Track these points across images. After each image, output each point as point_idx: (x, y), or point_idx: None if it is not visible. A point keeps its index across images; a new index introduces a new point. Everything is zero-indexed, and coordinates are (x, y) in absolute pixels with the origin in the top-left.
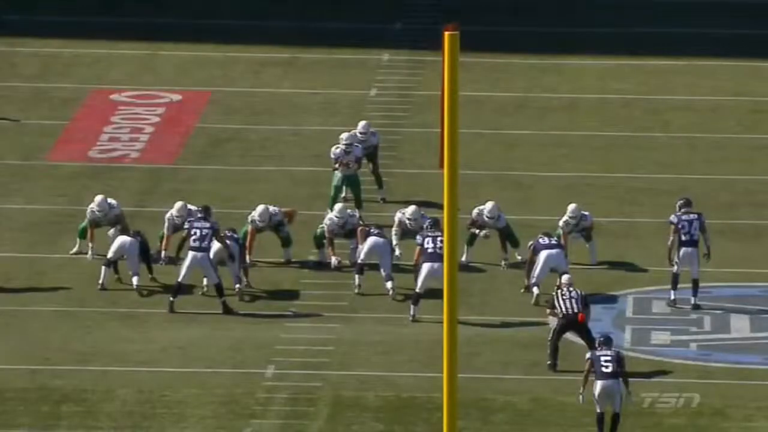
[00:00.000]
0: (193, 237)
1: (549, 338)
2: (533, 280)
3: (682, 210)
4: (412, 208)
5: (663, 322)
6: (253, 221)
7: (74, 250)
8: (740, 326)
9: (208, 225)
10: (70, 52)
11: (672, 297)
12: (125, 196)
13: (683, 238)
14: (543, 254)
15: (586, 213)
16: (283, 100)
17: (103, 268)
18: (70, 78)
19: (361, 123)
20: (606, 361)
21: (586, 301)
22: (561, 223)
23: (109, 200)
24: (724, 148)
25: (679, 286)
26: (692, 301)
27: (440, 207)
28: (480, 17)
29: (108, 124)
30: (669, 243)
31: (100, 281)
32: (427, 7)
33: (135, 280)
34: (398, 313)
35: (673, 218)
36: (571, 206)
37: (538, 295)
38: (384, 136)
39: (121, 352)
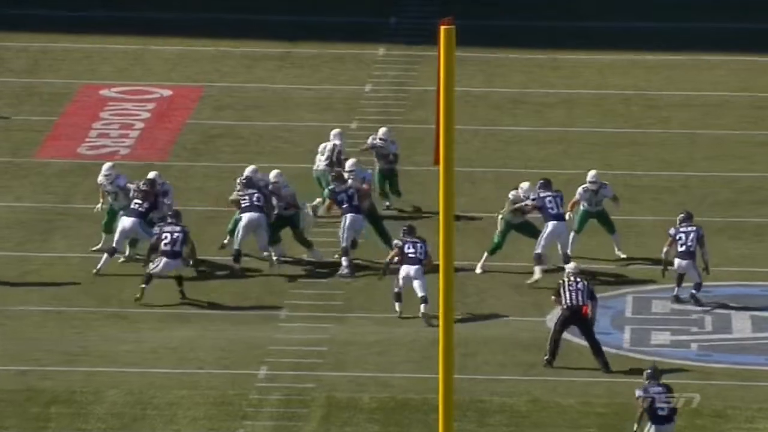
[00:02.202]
0: (165, 241)
1: (550, 332)
2: (538, 250)
3: (683, 224)
4: (383, 129)
5: (663, 322)
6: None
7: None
8: (742, 326)
9: (179, 229)
10: (60, 47)
11: (675, 292)
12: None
13: (679, 249)
14: (550, 225)
15: (606, 183)
16: (276, 95)
17: (105, 255)
18: (60, 73)
19: (382, 129)
20: (664, 401)
21: (592, 294)
22: (580, 189)
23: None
24: (725, 145)
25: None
26: (693, 293)
27: (436, 205)
28: (476, 11)
29: (97, 120)
30: (664, 253)
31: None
32: (423, 1)
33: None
34: (393, 313)
35: (671, 231)
36: (591, 172)
37: (538, 279)
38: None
39: (111, 353)
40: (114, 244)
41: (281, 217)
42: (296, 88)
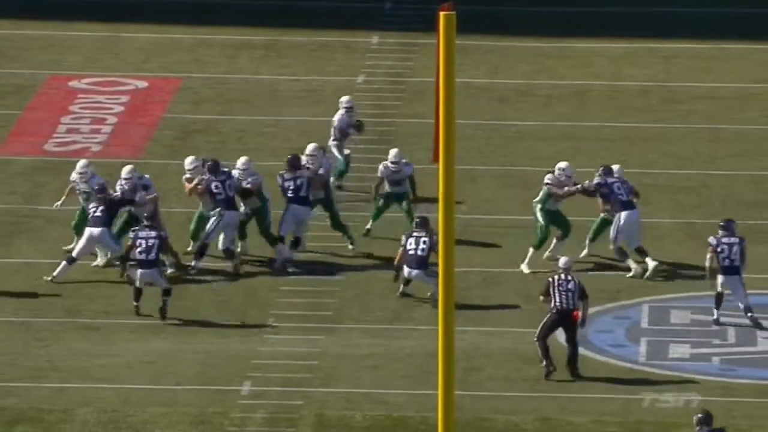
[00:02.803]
0: (138, 249)
1: (536, 335)
2: (617, 245)
3: (722, 233)
4: (394, 150)
5: (682, 333)
6: None
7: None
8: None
9: (154, 235)
10: (24, 35)
11: (715, 316)
12: None
13: (723, 263)
14: (624, 215)
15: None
16: (260, 87)
17: (64, 263)
18: (24, 63)
19: (393, 151)
20: None
21: (584, 292)
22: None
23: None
24: (750, 141)
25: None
26: (750, 316)
27: (435, 204)
28: None
29: (66, 114)
30: (707, 263)
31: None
32: None
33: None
34: (388, 323)
35: (712, 240)
36: (616, 167)
37: (640, 271)
38: (372, 128)
39: (81, 368)
40: (75, 254)
41: (250, 212)
42: (283, 79)
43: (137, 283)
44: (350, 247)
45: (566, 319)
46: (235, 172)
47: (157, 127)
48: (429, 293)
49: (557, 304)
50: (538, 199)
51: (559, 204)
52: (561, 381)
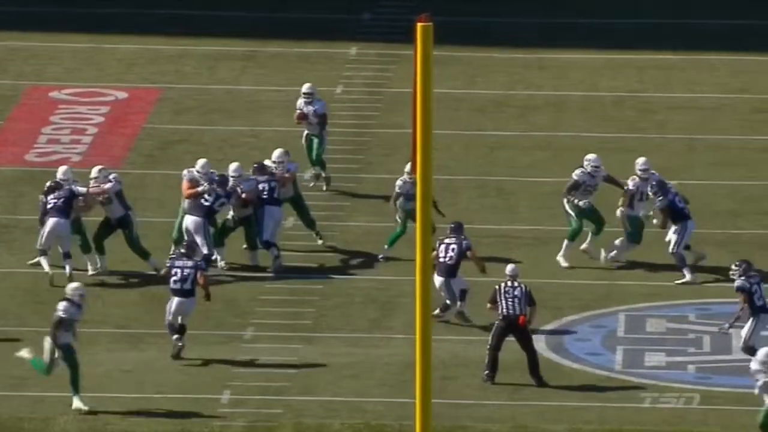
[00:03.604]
0: (174, 278)
1: (488, 344)
2: (677, 250)
3: (747, 273)
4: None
5: (658, 342)
6: None
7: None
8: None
9: (190, 264)
10: (4, 45)
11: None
12: None
13: (757, 303)
14: (690, 224)
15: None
16: (240, 97)
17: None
18: (5, 74)
19: (409, 165)
20: None
21: (531, 299)
22: (630, 183)
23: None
24: (725, 151)
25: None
26: None
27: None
28: (457, 8)
29: (47, 125)
30: (740, 310)
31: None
32: None
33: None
34: (367, 333)
35: (742, 284)
36: (641, 159)
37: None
38: (351, 138)
39: (60, 376)
40: (41, 245)
41: (238, 219)
42: (262, 89)
43: (170, 317)
44: (319, 242)
45: (513, 325)
46: (231, 181)
47: (138, 137)
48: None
49: (504, 310)
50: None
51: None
52: (537, 389)
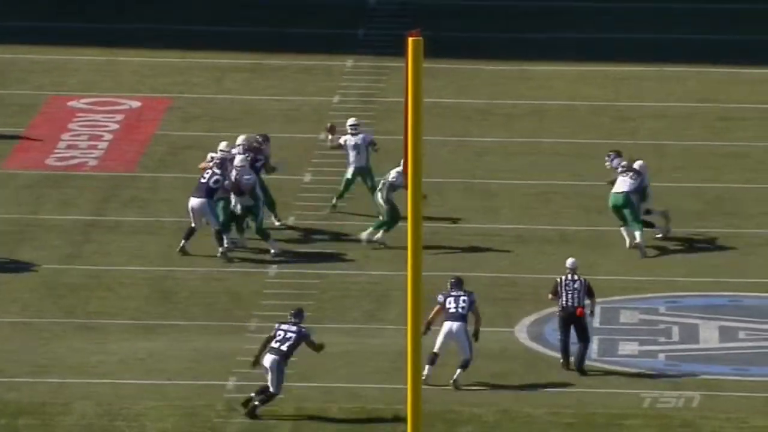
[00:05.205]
0: (276, 338)
1: (558, 337)
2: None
3: None
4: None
5: (631, 332)
6: None
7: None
8: (709, 336)
9: (294, 330)
10: (27, 58)
11: None
12: (84, 204)
13: None
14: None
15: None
16: (244, 107)
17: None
18: (28, 84)
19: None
20: None
21: (590, 291)
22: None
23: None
24: (693, 156)
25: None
26: None
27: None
28: (444, 23)
29: (66, 132)
30: None
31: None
32: (392, 12)
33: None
34: (362, 324)
35: None
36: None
37: None
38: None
39: (79, 364)
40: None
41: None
42: (265, 99)
43: (264, 370)
44: (276, 223)
45: (573, 316)
46: (232, 173)
47: (149, 144)
48: (453, 378)
49: (564, 302)
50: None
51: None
52: (520, 375)
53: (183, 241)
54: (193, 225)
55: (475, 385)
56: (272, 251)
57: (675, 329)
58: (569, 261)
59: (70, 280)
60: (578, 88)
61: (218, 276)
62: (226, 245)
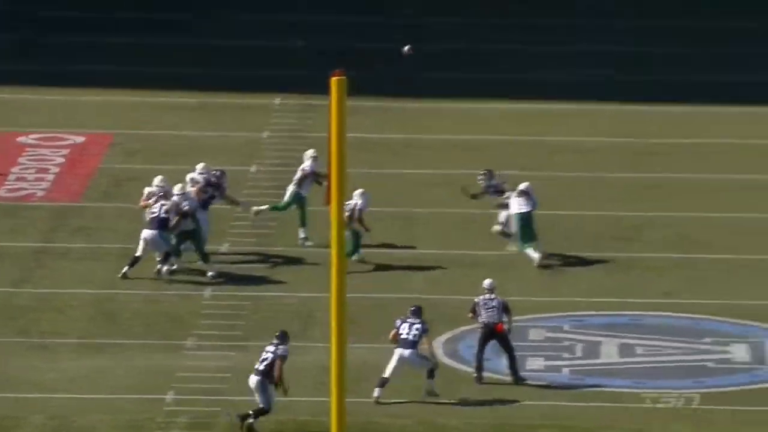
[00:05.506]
0: (260, 359)
1: (475, 352)
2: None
3: None
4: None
5: (538, 348)
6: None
7: None
8: (609, 352)
9: (272, 350)
10: None
11: None
12: (33, 233)
13: None
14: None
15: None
16: (184, 142)
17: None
18: None
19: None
20: None
21: (507, 309)
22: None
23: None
24: (599, 187)
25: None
26: None
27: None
28: (368, 64)
29: (16, 165)
30: None
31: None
32: (317, 53)
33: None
34: (290, 341)
35: None
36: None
37: None
38: (275, 176)
39: (32, 380)
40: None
41: (182, 231)
42: (203, 135)
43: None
44: (209, 274)
45: (493, 332)
46: (174, 197)
47: (94, 176)
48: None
49: (483, 319)
50: None
51: None
52: (439, 389)
53: (126, 267)
54: (138, 254)
55: (396, 398)
56: (210, 274)
57: (578, 346)
58: (487, 282)
59: (23, 303)
60: (498, 124)
61: (158, 298)
62: (168, 267)
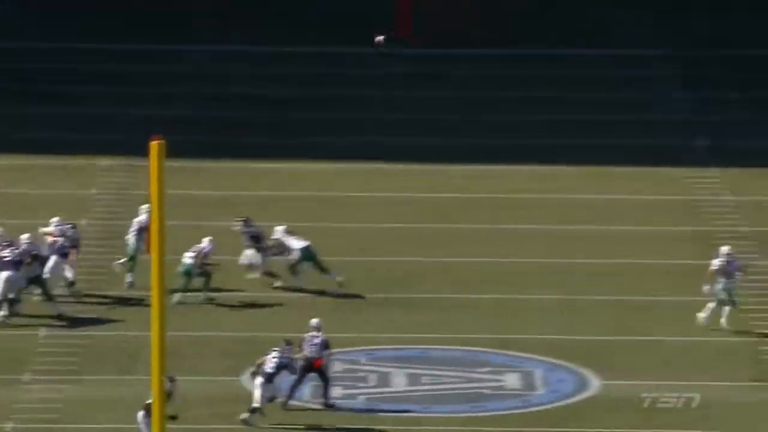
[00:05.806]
0: (268, 364)
1: (293, 379)
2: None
3: None
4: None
5: (337, 379)
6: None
7: None
8: (399, 381)
9: (278, 355)
10: None
11: None
12: None
13: None
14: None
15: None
16: (14, 201)
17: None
18: None
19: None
20: None
21: (327, 345)
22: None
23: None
24: (389, 236)
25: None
26: None
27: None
28: (182, 129)
29: None
30: None
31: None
32: (142, 118)
33: None
34: (119, 375)
35: None
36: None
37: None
38: (105, 229)
39: None
40: None
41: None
42: (34, 193)
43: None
44: (56, 313)
45: (312, 366)
46: (23, 245)
47: None
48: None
49: (306, 354)
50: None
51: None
52: (253, 415)
53: (4, 311)
54: (10, 296)
55: (212, 424)
56: (57, 313)
57: (371, 376)
58: (314, 321)
59: None
60: (326, 182)
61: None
62: (4, 313)
